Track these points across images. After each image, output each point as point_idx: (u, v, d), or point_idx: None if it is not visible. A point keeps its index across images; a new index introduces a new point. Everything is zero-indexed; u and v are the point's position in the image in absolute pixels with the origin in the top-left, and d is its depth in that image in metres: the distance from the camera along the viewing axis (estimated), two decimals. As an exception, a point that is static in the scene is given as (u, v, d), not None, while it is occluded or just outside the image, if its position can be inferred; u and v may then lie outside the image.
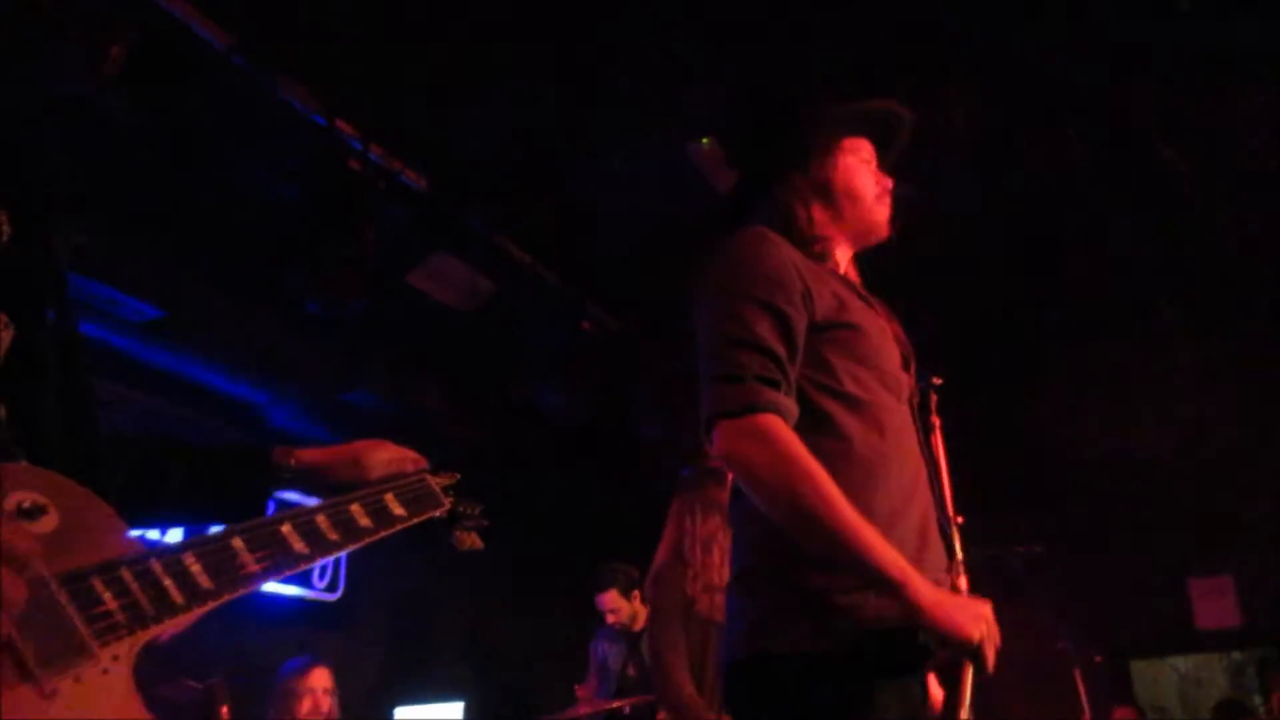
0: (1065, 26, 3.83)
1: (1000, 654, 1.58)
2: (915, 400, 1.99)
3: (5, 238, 1.06)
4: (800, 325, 1.79)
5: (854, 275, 2.13)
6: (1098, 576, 6.33)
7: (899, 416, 1.88)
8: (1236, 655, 6.96)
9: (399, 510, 1.36)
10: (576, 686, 4.82)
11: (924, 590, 1.54)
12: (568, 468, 6.88)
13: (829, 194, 2.04)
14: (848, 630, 1.61)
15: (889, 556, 1.56)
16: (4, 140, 1.10)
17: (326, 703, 4.29)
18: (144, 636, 0.92)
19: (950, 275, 5.31)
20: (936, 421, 3.33)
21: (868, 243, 2.11)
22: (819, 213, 2.02)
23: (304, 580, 6.07)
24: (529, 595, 6.97)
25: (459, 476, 1.57)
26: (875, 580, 1.57)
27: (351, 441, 1.50)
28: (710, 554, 3.64)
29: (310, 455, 1.47)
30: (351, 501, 1.28)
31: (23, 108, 1.13)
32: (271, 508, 1.39)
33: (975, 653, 1.56)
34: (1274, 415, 5.78)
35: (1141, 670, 6.90)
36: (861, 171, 2.07)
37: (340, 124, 4.11)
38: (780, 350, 1.73)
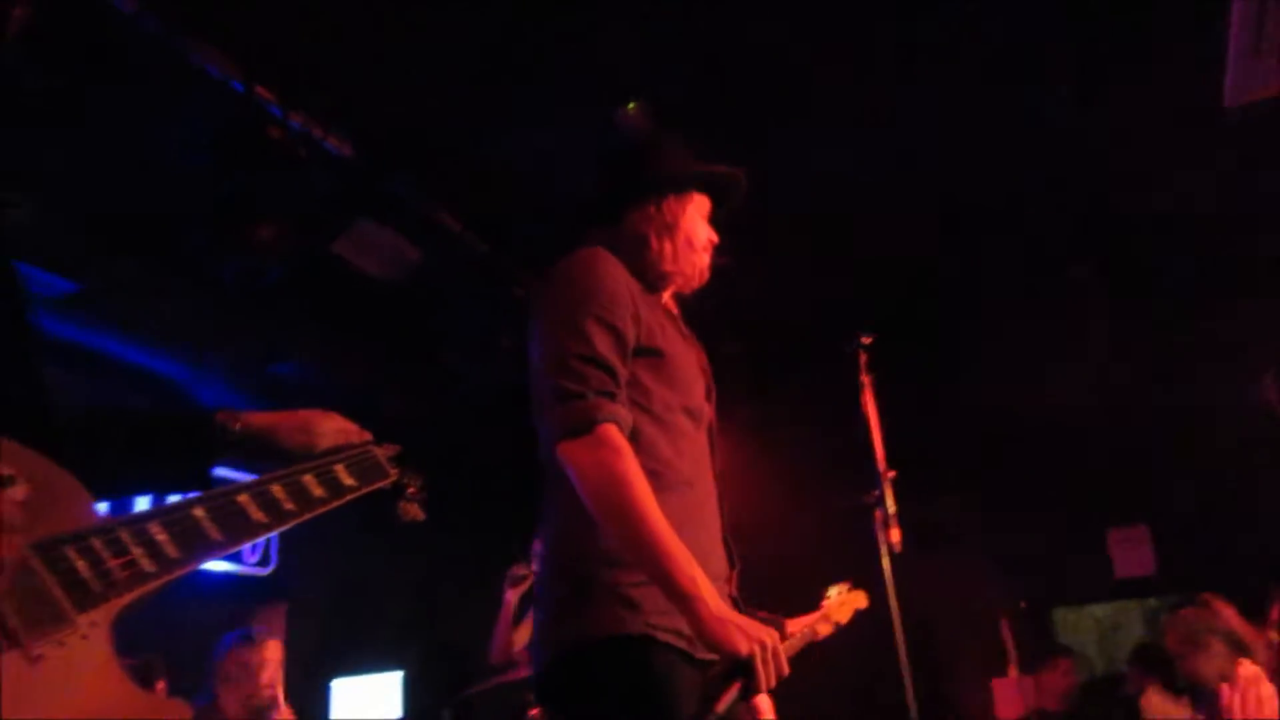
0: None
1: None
2: (713, 427, 2.20)
3: None
4: (630, 343, 1.99)
5: (673, 308, 2.34)
6: (1021, 529, 6.52)
7: (697, 443, 2.10)
8: (1152, 602, 7.22)
9: (349, 480, 1.37)
10: (521, 649, 4.83)
11: (708, 605, 1.71)
12: (499, 435, 6.86)
13: (674, 235, 2.24)
14: (636, 618, 1.81)
15: (685, 571, 1.73)
16: None
17: (280, 675, 4.28)
18: (118, 604, 0.95)
19: (877, 238, 5.39)
20: (866, 380, 3.41)
21: (688, 287, 2.32)
22: (666, 248, 2.23)
23: (235, 555, 5.98)
24: (467, 563, 6.96)
25: (401, 448, 1.58)
26: (669, 587, 1.74)
27: (295, 410, 1.49)
28: None
29: (257, 419, 1.46)
30: (304, 472, 1.29)
31: None
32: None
33: (743, 667, 1.69)
34: (1186, 373, 5.99)
35: (1063, 618, 7.15)
36: (700, 224, 2.30)
37: (259, 89, 4.00)
38: (617, 365, 1.93)
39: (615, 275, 2.05)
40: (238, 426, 1.43)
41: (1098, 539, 6.84)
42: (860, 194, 5.06)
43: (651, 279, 2.22)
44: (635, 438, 1.92)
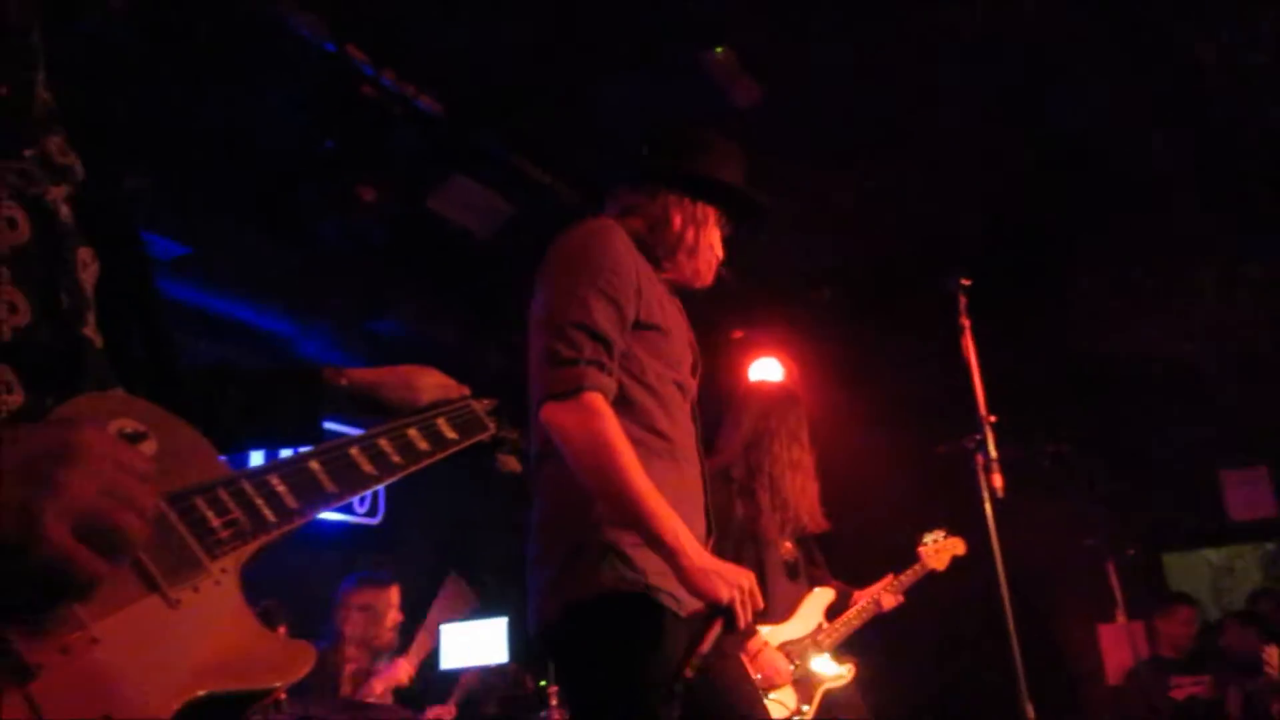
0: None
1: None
2: (695, 401, 2.30)
3: (80, 177, 1.09)
4: (630, 317, 2.08)
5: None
6: (1130, 472, 6.34)
7: (683, 414, 2.21)
8: (1270, 546, 6.99)
9: (451, 434, 1.41)
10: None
11: (691, 557, 1.86)
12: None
13: (699, 234, 2.34)
14: (637, 579, 1.95)
15: (669, 525, 1.87)
16: (68, 84, 1.12)
17: (399, 620, 4.44)
18: (245, 551, 1.00)
19: (985, 177, 5.24)
20: (966, 323, 3.33)
21: (691, 283, 2.40)
22: (688, 237, 2.33)
23: (345, 506, 6.19)
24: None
25: (498, 402, 1.61)
26: (654, 542, 1.88)
27: (396, 366, 1.52)
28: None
29: (361, 374, 1.50)
30: (409, 426, 1.33)
31: (77, 51, 1.14)
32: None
33: (724, 611, 1.86)
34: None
35: (1174, 563, 6.95)
36: (716, 238, 2.39)
37: (351, 49, 4.05)
38: (614, 337, 2.02)
39: (623, 249, 2.14)
40: (343, 382, 1.47)
41: (1210, 482, 6.61)
42: (955, 132, 4.92)
43: (660, 256, 2.31)
44: (629, 406, 2.05)
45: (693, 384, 2.27)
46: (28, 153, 1.03)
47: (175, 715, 0.86)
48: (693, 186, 2.35)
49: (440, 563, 6.82)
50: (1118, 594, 5.30)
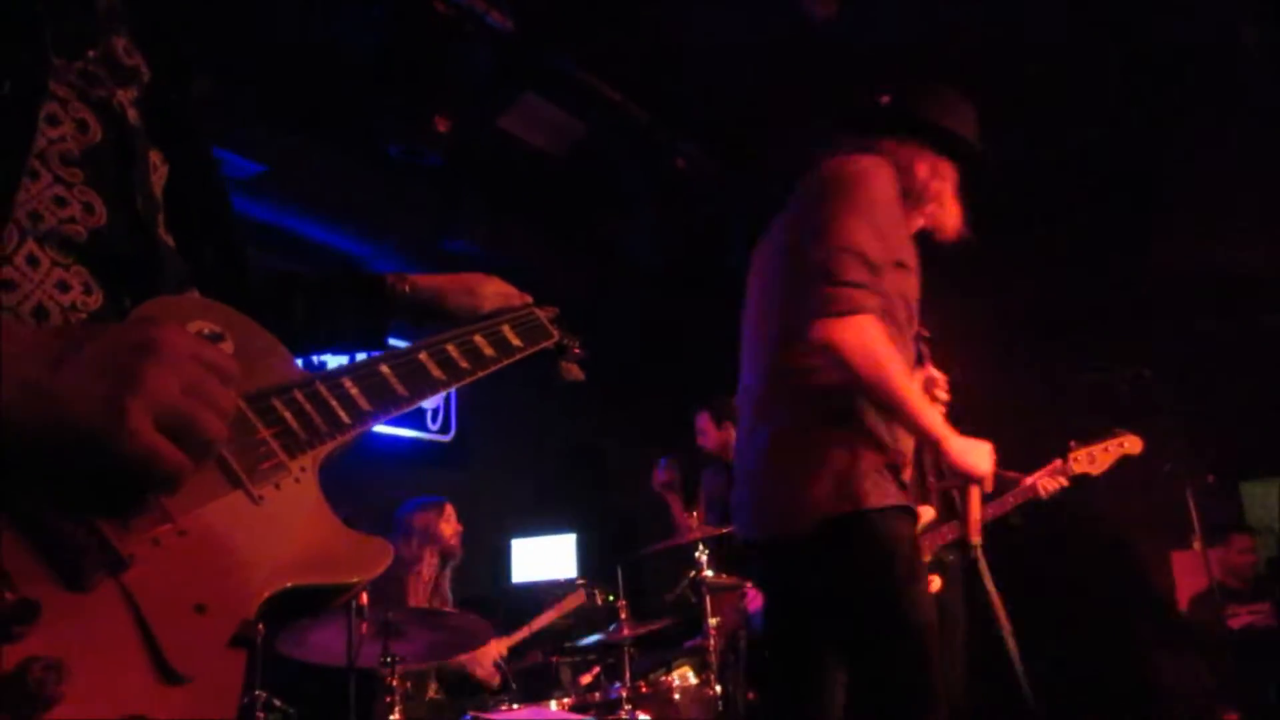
0: None
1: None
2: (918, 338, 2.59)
3: (146, 79, 1.09)
4: (892, 254, 2.28)
5: None
6: (1208, 398, 6.18)
7: (909, 347, 2.43)
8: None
9: (516, 341, 1.40)
10: (685, 515, 4.99)
11: (954, 441, 2.23)
12: (662, 305, 6.92)
13: (939, 185, 2.48)
14: (897, 495, 2.22)
15: (933, 419, 2.23)
16: None
17: (459, 528, 4.62)
18: (322, 451, 1.02)
19: (1073, 99, 5.06)
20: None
21: (945, 234, 2.56)
22: (933, 188, 2.47)
23: (418, 423, 6.33)
24: (638, 429, 7.13)
25: (558, 310, 1.60)
26: (921, 434, 2.24)
27: (459, 273, 1.53)
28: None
29: (424, 281, 1.50)
30: (474, 332, 1.33)
31: None
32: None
33: (981, 479, 2.28)
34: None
35: (1251, 491, 6.80)
36: (954, 195, 2.53)
37: (423, -35, 4.02)
38: (883, 266, 2.23)
39: (893, 190, 2.33)
40: (406, 289, 1.47)
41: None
42: (1041, 46, 4.74)
43: (909, 203, 2.44)
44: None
45: (917, 320, 2.48)
46: (91, 53, 1.02)
47: (262, 606, 0.89)
48: (937, 140, 2.47)
49: (511, 479, 6.97)
50: (1195, 521, 5.21)
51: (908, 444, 2.32)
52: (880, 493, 2.17)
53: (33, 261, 0.92)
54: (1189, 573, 5.94)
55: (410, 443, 6.29)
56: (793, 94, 4.87)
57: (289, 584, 0.91)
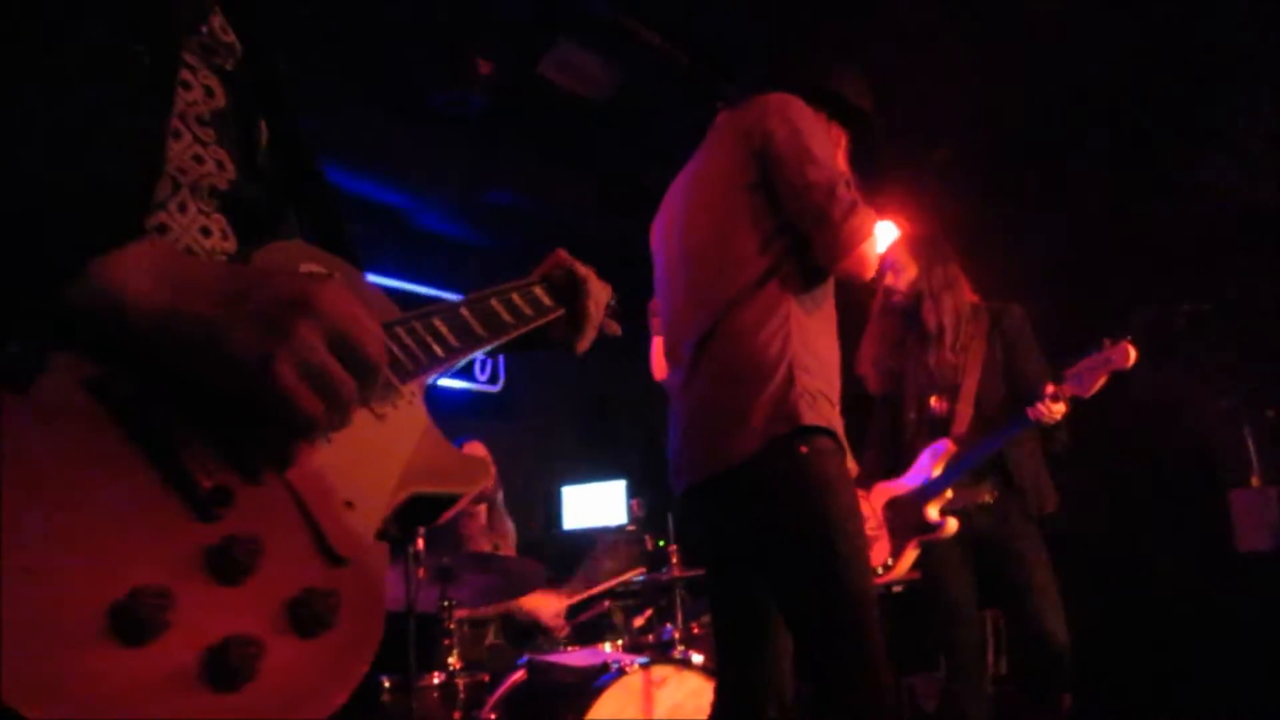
0: None
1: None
2: None
3: (239, 54, 1.18)
4: None
5: None
6: (1268, 332, 6.05)
7: None
8: None
9: (549, 301, 1.53)
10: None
11: None
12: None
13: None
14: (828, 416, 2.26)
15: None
16: None
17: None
18: (424, 378, 1.15)
19: (1121, 24, 4.90)
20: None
21: None
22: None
23: (467, 374, 6.39)
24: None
25: (593, 269, 1.63)
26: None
27: None
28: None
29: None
30: (534, 285, 1.50)
31: None
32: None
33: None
34: None
35: (1314, 427, 6.67)
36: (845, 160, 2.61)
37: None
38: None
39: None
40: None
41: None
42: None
43: None
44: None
45: None
46: (203, 28, 1.12)
47: (398, 507, 1.01)
48: (831, 106, 2.54)
49: (560, 428, 7.03)
50: (1254, 457, 5.13)
51: (836, 386, 2.36)
52: (815, 413, 2.19)
53: (182, 208, 1.03)
54: (1248, 511, 5.85)
55: (461, 393, 6.38)
56: (836, 30, 4.78)
57: (415, 489, 1.04)
